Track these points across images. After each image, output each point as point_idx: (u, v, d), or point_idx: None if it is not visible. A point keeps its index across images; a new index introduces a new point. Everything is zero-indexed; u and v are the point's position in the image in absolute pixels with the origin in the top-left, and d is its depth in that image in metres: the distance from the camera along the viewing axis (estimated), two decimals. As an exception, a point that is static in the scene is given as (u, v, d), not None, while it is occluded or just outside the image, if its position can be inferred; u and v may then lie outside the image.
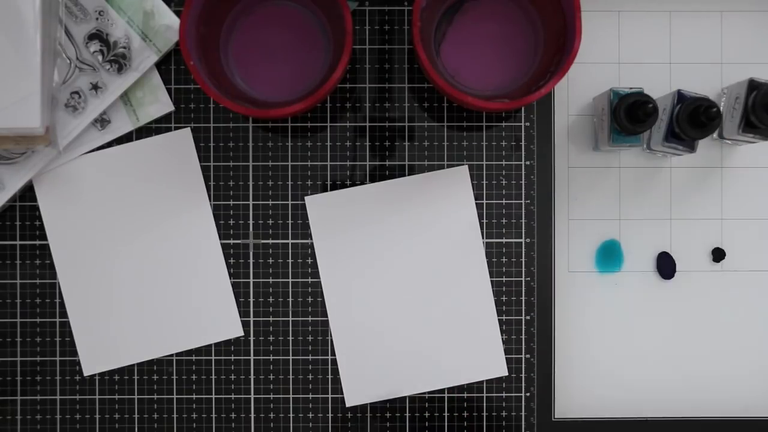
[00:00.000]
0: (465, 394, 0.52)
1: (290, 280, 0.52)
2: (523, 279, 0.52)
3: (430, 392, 0.52)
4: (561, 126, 0.52)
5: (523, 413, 0.52)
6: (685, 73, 0.52)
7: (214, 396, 0.52)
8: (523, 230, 0.52)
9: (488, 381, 0.52)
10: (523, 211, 0.52)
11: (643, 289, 0.52)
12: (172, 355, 0.52)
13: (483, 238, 0.52)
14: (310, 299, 0.52)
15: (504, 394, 0.52)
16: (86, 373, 0.52)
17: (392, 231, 0.51)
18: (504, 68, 0.49)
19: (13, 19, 0.46)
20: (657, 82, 0.52)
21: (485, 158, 0.52)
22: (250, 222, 0.52)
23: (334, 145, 0.52)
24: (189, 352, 0.52)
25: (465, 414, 0.52)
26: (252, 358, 0.52)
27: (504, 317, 0.52)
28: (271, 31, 0.50)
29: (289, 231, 0.52)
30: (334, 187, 0.52)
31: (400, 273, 0.51)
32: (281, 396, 0.50)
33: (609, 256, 0.52)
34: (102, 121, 0.51)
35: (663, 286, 0.52)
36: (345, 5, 0.44)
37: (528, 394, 0.52)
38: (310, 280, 0.52)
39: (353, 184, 0.52)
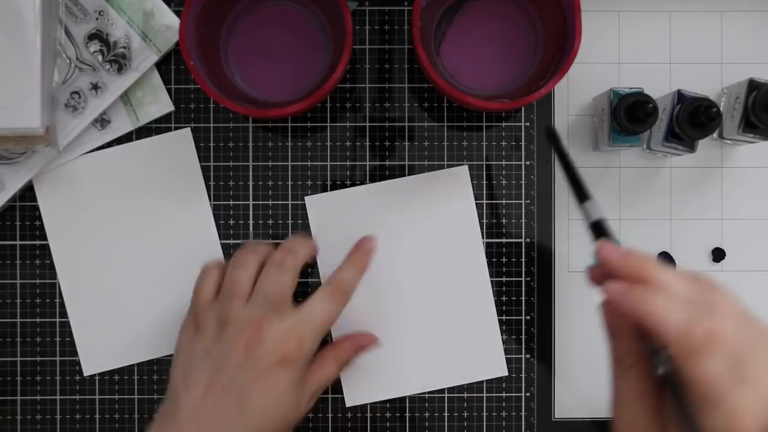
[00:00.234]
0: (465, 394, 0.52)
1: (290, 280, 0.52)
2: (523, 279, 0.52)
3: (430, 392, 0.52)
4: (561, 126, 0.52)
5: (523, 413, 0.52)
6: (685, 73, 0.52)
7: (214, 396, 0.52)
8: (523, 230, 0.52)
9: (488, 381, 0.52)
10: (523, 211, 0.52)
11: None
12: (171, 355, 0.52)
13: (483, 238, 0.52)
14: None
15: (504, 394, 0.52)
16: (86, 373, 0.52)
17: (392, 231, 0.51)
18: (504, 68, 0.49)
19: (13, 19, 0.46)
20: (657, 82, 0.52)
21: (485, 158, 0.52)
22: (250, 222, 0.52)
23: (334, 145, 0.52)
24: (189, 352, 0.51)
25: (465, 414, 0.52)
26: (252, 358, 0.52)
27: (504, 317, 0.52)
28: (271, 31, 0.50)
29: (289, 231, 0.52)
30: (334, 187, 0.52)
31: (400, 273, 0.51)
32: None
33: (609, 256, 0.52)
34: (102, 121, 0.51)
35: (663, 286, 0.52)
36: (345, 5, 0.44)
37: (528, 394, 0.52)
38: (309, 280, 0.52)
39: (353, 184, 0.52)
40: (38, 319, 0.52)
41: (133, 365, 0.52)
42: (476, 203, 0.52)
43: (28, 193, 0.51)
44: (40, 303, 0.52)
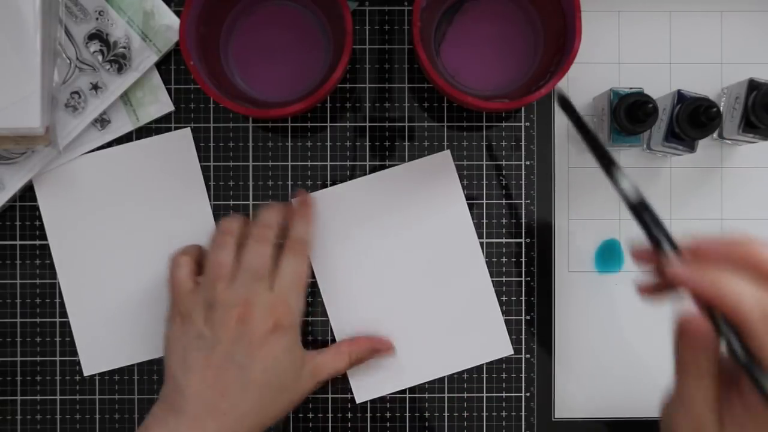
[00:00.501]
0: (465, 395, 0.52)
1: (290, 280, 0.52)
2: (523, 279, 0.52)
3: (430, 393, 0.52)
4: (561, 126, 0.52)
5: (523, 413, 0.52)
6: (685, 73, 0.52)
7: (214, 396, 0.52)
8: (523, 230, 0.52)
9: (488, 381, 0.52)
10: (523, 211, 0.52)
11: (643, 289, 0.52)
12: (172, 355, 0.52)
13: (483, 238, 0.52)
14: (309, 299, 0.52)
15: (504, 394, 0.52)
16: (86, 373, 0.52)
17: (383, 223, 0.51)
18: (504, 68, 0.49)
19: (13, 19, 0.46)
20: (657, 82, 0.52)
21: (485, 158, 0.52)
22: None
23: (334, 145, 0.52)
24: (189, 352, 0.51)
25: (465, 414, 0.52)
26: (252, 358, 0.52)
27: (504, 317, 0.52)
28: (271, 31, 0.50)
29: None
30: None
31: (395, 263, 0.51)
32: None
33: (609, 256, 0.52)
34: (102, 121, 0.51)
35: (663, 286, 0.52)
36: (345, 5, 0.44)
37: (528, 394, 0.52)
38: (309, 280, 0.52)
39: (353, 184, 0.52)
40: (38, 319, 0.52)
41: (133, 365, 0.52)
42: (476, 203, 0.52)
43: (28, 193, 0.51)
44: (40, 303, 0.52)
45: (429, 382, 0.52)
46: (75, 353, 0.52)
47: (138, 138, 0.52)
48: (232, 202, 0.52)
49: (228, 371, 0.43)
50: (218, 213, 0.52)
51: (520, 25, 0.49)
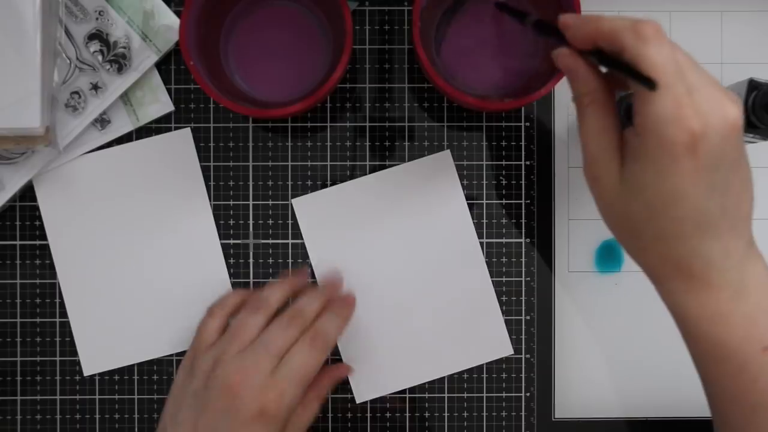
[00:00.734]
0: (465, 395, 0.52)
1: (290, 280, 0.52)
2: (523, 279, 0.52)
3: (430, 393, 0.52)
4: (561, 126, 0.52)
5: (523, 413, 0.52)
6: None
7: (214, 396, 0.52)
8: (523, 230, 0.52)
9: (488, 381, 0.52)
10: (523, 211, 0.52)
11: (643, 289, 0.52)
12: (171, 355, 0.52)
13: (483, 238, 0.52)
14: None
15: (504, 394, 0.52)
16: (86, 373, 0.52)
17: (383, 223, 0.51)
18: (504, 68, 0.49)
19: (13, 19, 0.46)
20: (657, 82, 0.52)
21: (485, 158, 0.52)
22: (250, 222, 0.52)
23: (334, 145, 0.52)
24: (189, 352, 0.51)
25: (465, 414, 0.52)
26: (252, 358, 0.52)
27: (504, 317, 0.52)
28: (271, 31, 0.50)
29: (289, 231, 0.52)
30: (334, 187, 0.52)
31: (395, 264, 0.51)
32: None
33: (609, 256, 0.52)
34: (102, 121, 0.51)
35: (663, 286, 0.52)
36: (345, 5, 0.44)
37: (528, 394, 0.52)
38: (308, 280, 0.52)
39: (353, 184, 0.52)
40: (38, 319, 0.52)
41: (133, 365, 0.52)
42: (476, 203, 0.52)
43: (28, 193, 0.51)
44: (40, 303, 0.52)
45: (429, 382, 0.52)
46: (75, 353, 0.52)
47: (138, 138, 0.52)
48: (232, 202, 0.52)
49: None
50: (218, 213, 0.52)
51: (520, 25, 0.49)
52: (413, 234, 0.51)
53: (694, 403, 0.52)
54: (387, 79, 0.52)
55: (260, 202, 0.52)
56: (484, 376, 0.52)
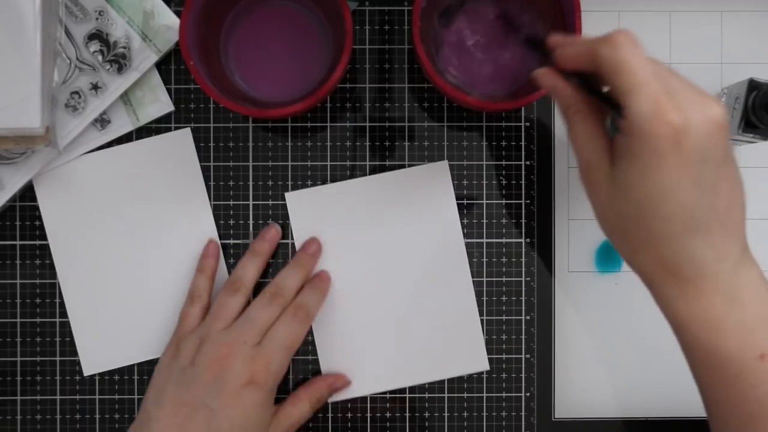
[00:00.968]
0: (465, 394, 0.52)
1: (290, 280, 0.51)
2: (523, 279, 0.52)
3: (430, 392, 0.52)
4: (561, 126, 0.52)
5: (523, 413, 0.52)
6: (685, 73, 0.52)
7: (214, 396, 0.52)
8: (523, 230, 0.52)
9: (488, 381, 0.52)
10: (523, 211, 0.52)
11: (643, 289, 0.52)
12: (172, 355, 0.52)
13: (483, 238, 0.52)
14: (310, 299, 0.52)
15: (504, 394, 0.52)
16: (86, 373, 0.52)
17: (373, 226, 0.51)
18: (504, 68, 0.49)
19: (13, 19, 0.46)
20: (657, 82, 0.52)
21: (485, 158, 0.52)
22: (250, 222, 0.52)
23: (334, 145, 0.52)
24: (189, 352, 0.51)
25: (465, 414, 0.52)
26: (252, 358, 0.52)
27: (504, 317, 0.52)
28: (271, 31, 0.50)
29: (289, 231, 0.52)
30: (334, 187, 0.52)
31: (380, 269, 0.51)
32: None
33: (609, 256, 0.52)
34: (102, 121, 0.51)
35: (663, 286, 0.52)
36: (345, 5, 0.44)
37: (528, 394, 0.52)
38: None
39: (353, 184, 0.52)
40: (38, 319, 0.52)
41: (133, 365, 0.52)
42: (476, 203, 0.52)
43: (28, 193, 0.51)
44: (40, 303, 0.52)
45: (429, 383, 0.52)
46: (75, 353, 0.52)
47: (138, 138, 0.52)
48: (232, 202, 0.52)
49: (198, 412, 0.43)
50: (218, 213, 0.52)
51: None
52: (402, 241, 0.51)
53: (693, 403, 0.52)
54: (387, 79, 0.52)
55: (260, 202, 0.52)
56: (484, 376, 0.52)
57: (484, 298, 0.52)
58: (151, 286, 0.51)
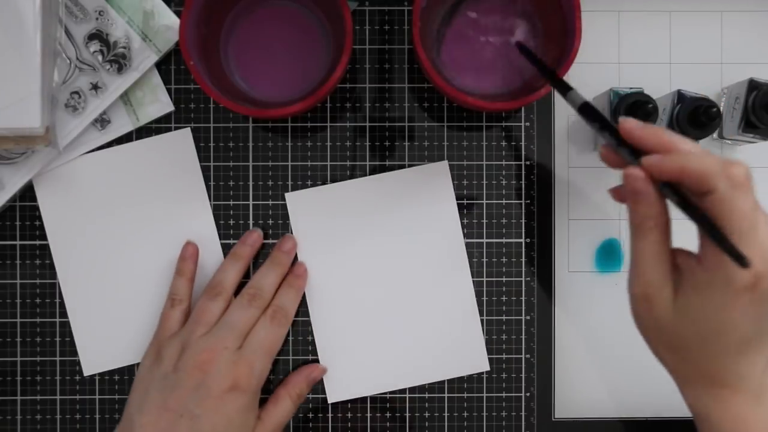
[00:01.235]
0: (465, 394, 0.52)
1: (290, 280, 0.51)
2: (523, 279, 0.52)
3: (430, 392, 0.52)
4: (561, 126, 0.52)
5: (522, 413, 0.52)
6: (685, 73, 0.52)
7: (214, 396, 0.52)
8: (523, 230, 0.52)
9: (488, 381, 0.52)
10: (523, 211, 0.52)
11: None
12: (172, 355, 0.52)
13: (483, 238, 0.52)
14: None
15: (504, 394, 0.52)
16: (86, 373, 0.52)
17: (372, 227, 0.51)
18: (504, 68, 0.49)
19: (13, 19, 0.46)
20: (657, 82, 0.52)
21: (485, 158, 0.52)
22: (250, 222, 0.52)
23: (334, 145, 0.52)
24: (189, 352, 0.51)
25: (465, 414, 0.52)
26: (252, 358, 0.52)
27: (504, 317, 0.52)
28: (271, 31, 0.50)
29: (290, 231, 0.52)
30: (334, 187, 0.52)
31: (380, 270, 0.51)
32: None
33: (609, 255, 0.52)
34: (102, 121, 0.51)
35: (663, 286, 0.52)
36: (345, 5, 0.44)
37: (528, 394, 0.52)
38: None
39: (353, 184, 0.52)
40: (38, 319, 0.52)
41: (133, 365, 0.52)
42: (476, 203, 0.52)
43: (28, 193, 0.51)
44: (40, 303, 0.52)
45: (429, 383, 0.52)
46: (75, 353, 0.52)
47: (138, 138, 0.52)
48: (232, 202, 0.52)
49: (182, 418, 0.43)
50: (218, 213, 0.52)
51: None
52: (402, 241, 0.51)
53: (694, 403, 0.52)
54: (387, 79, 0.52)
55: (260, 202, 0.52)
56: (484, 376, 0.52)
57: (484, 298, 0.52)
58: (150, 286, 0.51)
